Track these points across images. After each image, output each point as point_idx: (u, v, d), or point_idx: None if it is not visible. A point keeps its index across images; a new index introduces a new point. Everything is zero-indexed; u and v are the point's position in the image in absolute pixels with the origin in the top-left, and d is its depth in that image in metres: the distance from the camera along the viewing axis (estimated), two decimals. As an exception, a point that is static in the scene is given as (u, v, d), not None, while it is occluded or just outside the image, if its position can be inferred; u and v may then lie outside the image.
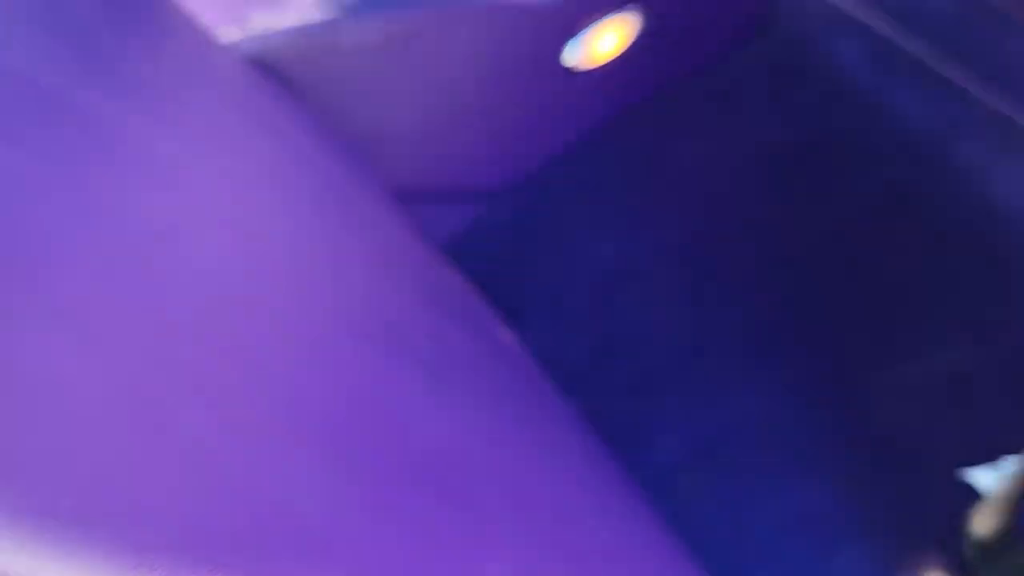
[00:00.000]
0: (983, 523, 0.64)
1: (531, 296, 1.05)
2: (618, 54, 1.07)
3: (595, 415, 0.97)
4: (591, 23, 1.01)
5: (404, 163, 1.00)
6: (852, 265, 1.03)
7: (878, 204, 1.07)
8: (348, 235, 0.43)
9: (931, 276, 1.02)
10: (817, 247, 1.05)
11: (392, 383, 0.33)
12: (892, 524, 0.87)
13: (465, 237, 1.09)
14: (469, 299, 0.63)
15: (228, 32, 0.75)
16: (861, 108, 1.14)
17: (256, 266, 0.34)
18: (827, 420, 0.93)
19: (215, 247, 0.32)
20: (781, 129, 1.14)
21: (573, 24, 1.00)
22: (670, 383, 0.98)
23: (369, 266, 0.41)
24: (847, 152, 1.12)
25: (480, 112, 1.01)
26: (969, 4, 1.00)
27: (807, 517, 0.88)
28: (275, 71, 0.77)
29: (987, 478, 0.66)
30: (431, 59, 0.92)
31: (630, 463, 0.94)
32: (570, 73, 1.04)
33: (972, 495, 0.67)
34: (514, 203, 1.12)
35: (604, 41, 1.04)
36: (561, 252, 1.08)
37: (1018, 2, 0.94)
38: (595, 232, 1.09)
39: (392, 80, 0.90)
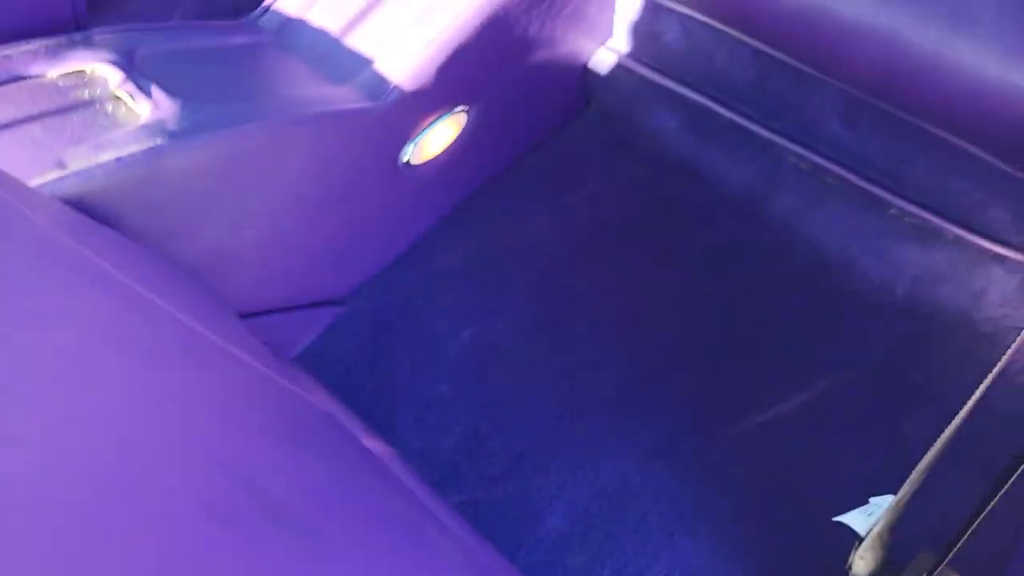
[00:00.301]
0: (862, 564, 0.66)
1: (396, 397, 1.03)
2: (453, 147, 1.09)
3: (475, 505, 0.95)
4: (425, 122, 1.03)
5: (250, 281, 0.97)
6: (698, 320, 1.07)
7: (714, 260, 1.13)
8: (193, 380, 0.41)
9: (771, 322, 1.07)
10: (664, 307, 1.09)
11: (252, 559, 0.31)
12: (775, 573, 0.89)
13: (322, 347, 1.07)
14: (330, 418, 0.61)
15: (45, 176, 0.71)
16: (685, 173, 1.20)
17: (81, 438, 0.32)
18: (694, 478, 0.95)
19: (32, 421, 0.29)
20: (618, 199, 1.19)
21: (408, 125, 1.01)
22: (542, 459, 0.98)
23: (217, 412, 0.38)
24: (680, 215, 1.17)
25: (323, 220, 1.00)
26: (771, 67, 1.07)
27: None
28: (98, 209, 0.74)
29: (860, 519, 0.69)
30: (266, 174, 0.90)
31: (517, 546, 0.92)
32: (410, 169, 1.05)
33: (848, 536, 0.70)
34: (368, 305, 1.10)
35: (438, 136, 1.06)
36: (421, 347, 1.07)
37: (810, 58, 1.02)
38: (452, 320, 1.09)
39: (227, 200, 0.88)
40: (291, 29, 1.02)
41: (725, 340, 1.06)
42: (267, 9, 1.04)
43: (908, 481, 0.69)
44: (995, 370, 0.76)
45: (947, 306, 1.05)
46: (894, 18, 0.89)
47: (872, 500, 0.73)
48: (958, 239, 1.00)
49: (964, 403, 0.98)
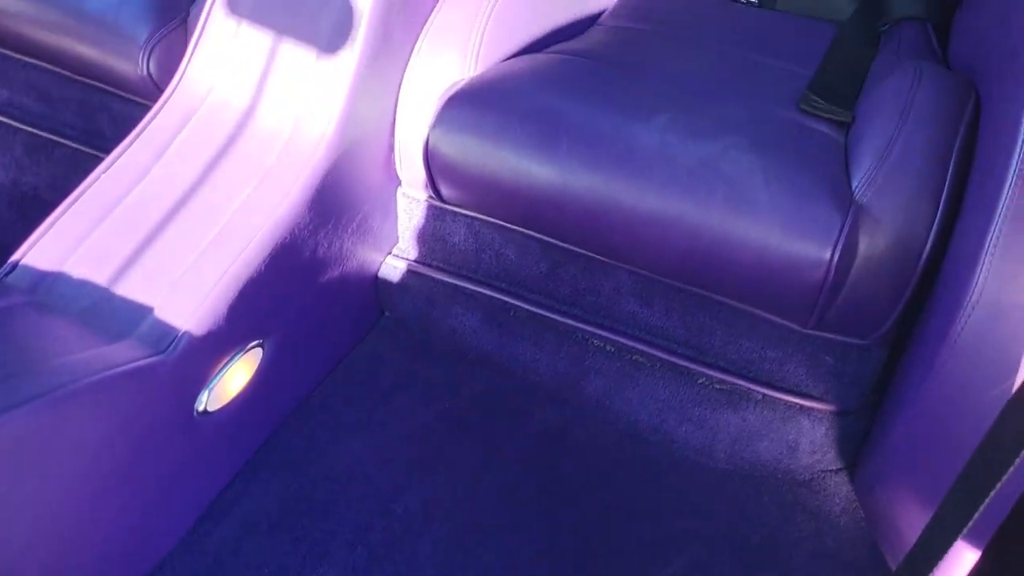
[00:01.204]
0: None
1: None
2: (250, 385, 1.00)
3: None
4: (218, 365, 0.93)
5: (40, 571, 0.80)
6: (539, 516, 1.03)
7: (540, 451, 1.10)
8: None
9: (613, 506, 1.05)
10: (503, 509, 1.03)
11: None
12: None
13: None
14: None
15: None
16: (493, 369, 1.18)
17: None
18: None
19: None
20: (430, 405, 1.14)
21: (200, 372, 0.91)
22: None
23: None
24: (496, 410, 1.14)
25: (113, 495, 0.86)
26: (562, 257, 1.09)
27: None
28: None
29: None
30: (39, 460, 0.76)
31: None
32: (207, 418, 0.94)
33: None
34: (175, 572, 0.95)
35: (234, 378, 0.97)
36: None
37: (600, 249, 1.05)
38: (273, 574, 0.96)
39: (6, 486, 0.73)
40: (48, 285, 0.90)
41: (575, 535, 1.02)
42: (15, 266, 0.92)
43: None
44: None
45: (766, 460, 1.08)
46: (678, 207, 0.94)
47: None
48: (766, 397, 1.05)
49: (806, 555, 1.00)
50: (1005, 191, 0.76)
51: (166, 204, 0.97)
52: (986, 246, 0.74)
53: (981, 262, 0.75)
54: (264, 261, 0.95)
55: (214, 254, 0.93)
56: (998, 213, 0.74)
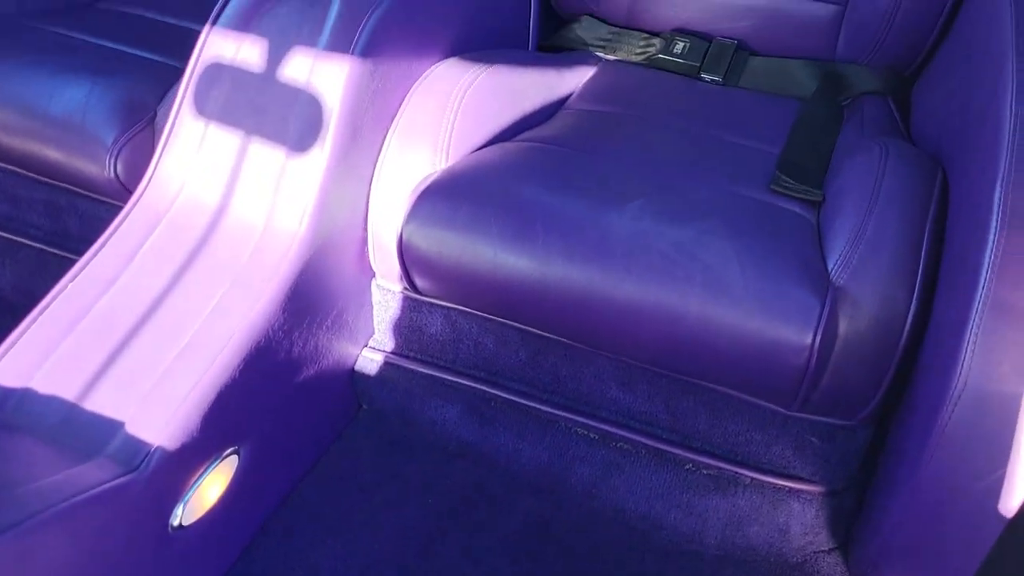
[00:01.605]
0: None
1: None
2: (227, 494, 0.97)
3: None
4: (193, 477, 0.90)
5: None
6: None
7: (524, 544, 1.07)
8: None
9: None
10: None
11: None
12: None
13: None
14: None
15: None
16: (475, 460, 1.16)
17: None
18: None
19: None
20: (411, 500, 1.11)
21: (175, 486, 0.88)
22: None
23: None
24: (479, 503, 1.12)
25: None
26: (542, 346, 1.08)
27: None
28: None
29: None
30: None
31: None
32: (183, 532, 0.91)
33: None
34: None
35: (210, 488, 0.94)
36: None
37: (581, 338, 1.04)
38: None
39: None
40: (16, 402, 0.87)
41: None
42: (-22, 383, 0.89)
43: None
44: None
45: (758, 545, 1.06)
46: (656, 295, 0.93)
47: None
48: (754, 481, 1.03)
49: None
50: (981, 283, 0.76)
51: (136, 313, 0.94)
52: (967, 337, 0.74)
53: (963, 353, 0.75)
54: (238, 366, 0.93)
55: (186, 363, 0.91)
56: (976, 304, 0.74)
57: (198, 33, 1.10)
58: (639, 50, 1.41)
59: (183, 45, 1.14)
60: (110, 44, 1.32)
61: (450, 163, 1.08)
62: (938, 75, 1.22)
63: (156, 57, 1.30)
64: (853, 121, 1.23)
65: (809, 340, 0.89)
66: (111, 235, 1.04)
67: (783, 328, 0.90)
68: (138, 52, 1.31)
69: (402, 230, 1.04)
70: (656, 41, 1.41)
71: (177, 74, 1.15)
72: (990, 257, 0.73)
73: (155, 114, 1.19)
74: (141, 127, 1.17)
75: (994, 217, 0.74)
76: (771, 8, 1.33)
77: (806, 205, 1.04)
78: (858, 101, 1.29)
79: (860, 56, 1.30)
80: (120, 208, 1.07)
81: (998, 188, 0.75)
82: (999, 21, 0.96)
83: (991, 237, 0.74)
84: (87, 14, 1.43)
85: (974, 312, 0.74)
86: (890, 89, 1.30)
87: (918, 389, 0.87)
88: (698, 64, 1.36)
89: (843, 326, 0.89)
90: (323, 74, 1.03)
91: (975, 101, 0.95)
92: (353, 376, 1.18)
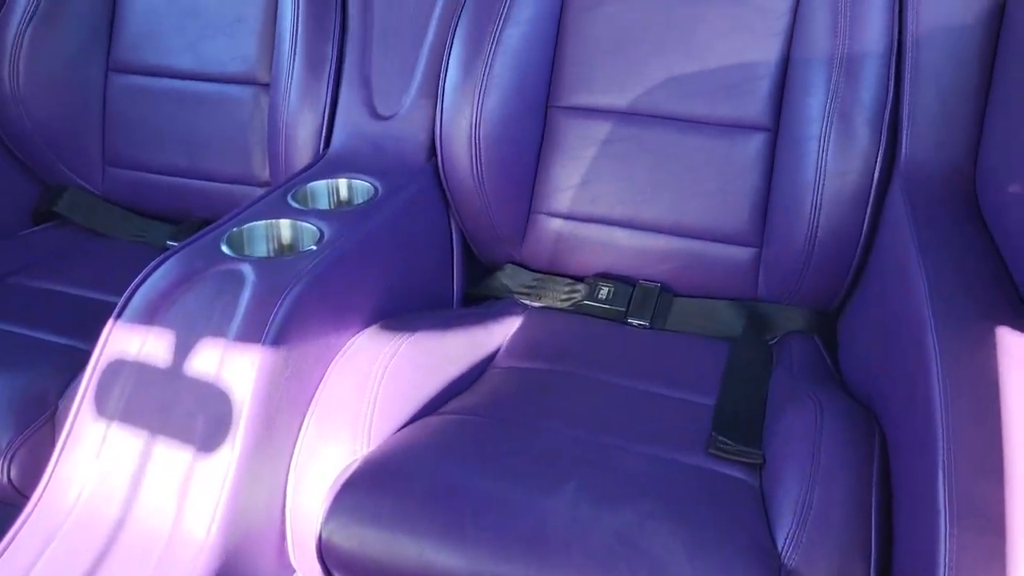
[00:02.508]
0: None
1: None
2: None
3: None
4: None
5: None
6: None
7: None
8: None
9: None
10: None
11: None
12: None
13: None
14: None
15: None
16: None
17: None
18: None
19: None
20: None
21: None
22: None
23: None
24: None
25: None
26: None
27: None
28: None
29: None
30: None
31: None
32: None
33: None
34: None
35: None
36: None
37: None
38: None
39: None
40: None
41: None
42: None
43: None
44: None
45: None
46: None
47: None
48: None
49: None
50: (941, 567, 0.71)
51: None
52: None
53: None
54: None
55: None
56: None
57: (112, 306, 1.06)
58: (564, 296, 1.41)
59: (95, 322, 1.09)
60: (12, 328, 1.26)
61: (372, 448, 1.02)
62: (859, 317, 1.22)
63: (62, 340, 1.24)
64: (783, 364, 1.22)
65: (766, 636, 0.82)
66: (3, 551, 0.94)
67: (738, 624, 0.83)
68: (42, 336, 1.25)
69: (321, 529, 0.96)
70: (581, 287, 1.41)
71: (84, 359, 1.10)
72: (945, 557, 0.69)
73: (56, 408, 1.11)
74: (39, 425, 1.09)
75: (942, 515, 0.70)
76: (690, 252, 1.35)
77: (747, 468, 1.00)
78: (785, 340, 1.29)
79: (782, 296, 1.31)
80: (15, 511, 0.98)
81: (940, 479, 0.72)
82: (910, 282, 0.96)
83: (942, 536, 0.69)
84: (-7, 292, 1.38)
85: None
86: (814, 327, 1.30)
87: None
88: (624, 309, 1.35)
89: (800, 616, 0.83)
90: (233, 366, 0.98)
91: (899, 365, 0.94)
92: None
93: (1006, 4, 1.16)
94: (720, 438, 1.03)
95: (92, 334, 1.06)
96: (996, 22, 1.16)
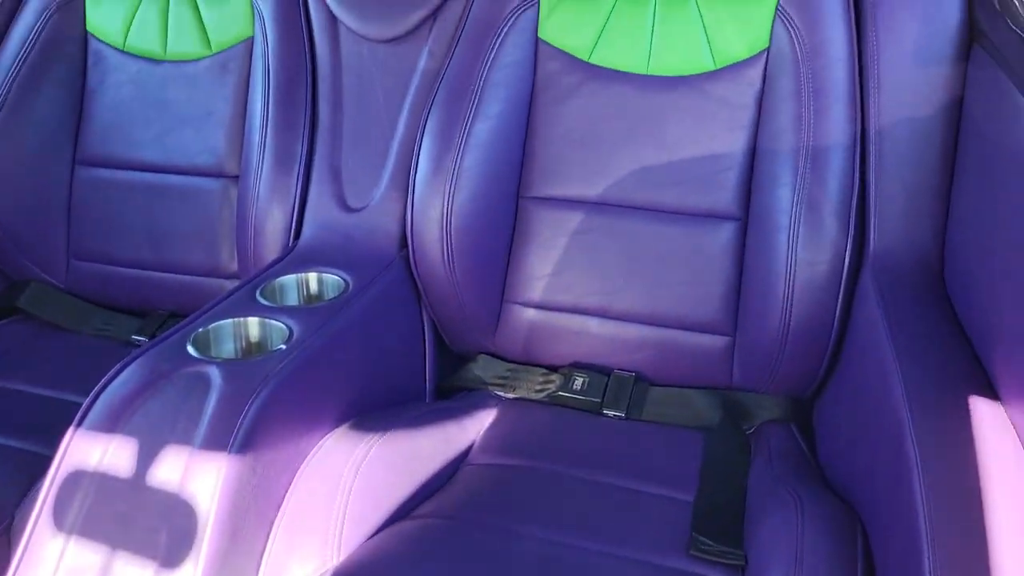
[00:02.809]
0: None
1: None
2: None
3: None
4: None
5: None
6: None
7: None
8: None
9: None
10: None
11: None
12: None
13: None
14: None
15: None
16: None
17: None
18: None
19: None
20: None
21: None
22: None
23: None
24: None
25: None
26: None
27: None
28: None
29: None
30: None
31: None
32: None
33: None
34: None
35: None
36: None
37: None
38: None
39: None
40: None
41: None
42: None
43: None
44: None
45: None
46: None
47: None
48: None
49: None
50: None
51: None
52: None
53: None
54: None
55: None
56: None
57: (74, 407, 1.03)
58: (539, 387, 1.39)
59: (56, 424, 1.06)
60: (-30, 432, 1.22)
61: (343, 556, 0.98)
62: (835, 406, 1.22)
63: (22, 445, 1.20)
64: (761, 455, 1.20)
65: None
66: None
67: None
68: (1, 440, 1.21)
69: (289, 650, 0.92)
70: (555, 377, 1.39)
71: (43, 465, 1.05)
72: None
73: (12, 520, 1.07)
74: (-6, 538, 1.05)
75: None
76: (664, 341, 1.34)
77: (729, 569, 0.98)
78: (762, 429, 1.27)
79: (757, 383, 1.30)
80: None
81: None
82: (885, 373, 0.96)
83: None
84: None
85: None
86: (790, 415, 1.29)
87: None
88: (599, 400, 1.34)
89: None
90: (198, 476, 0.95)
91: (879, 463, 0.93)
92: None
93: (964, 95, 1.18)
94: (701, 539, 1.00)
95: (52, 438, 1.02)
96: (955, 111, 1.19)
